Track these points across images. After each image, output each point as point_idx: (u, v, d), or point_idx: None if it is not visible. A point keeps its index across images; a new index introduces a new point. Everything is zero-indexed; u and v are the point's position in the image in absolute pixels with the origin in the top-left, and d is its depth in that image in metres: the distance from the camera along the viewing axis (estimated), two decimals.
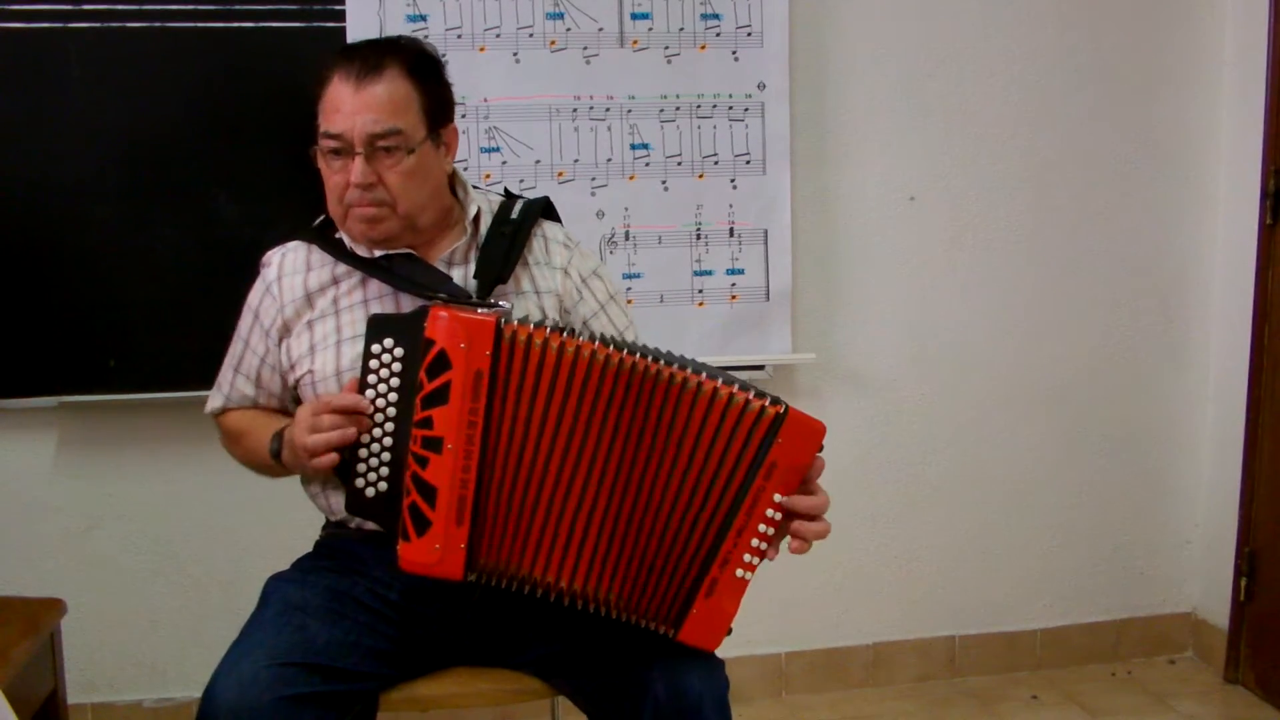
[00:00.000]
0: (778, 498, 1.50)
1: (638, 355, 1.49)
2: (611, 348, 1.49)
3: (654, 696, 1.53)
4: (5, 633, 1.80)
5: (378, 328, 1.54)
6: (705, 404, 1.48)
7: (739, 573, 1.51)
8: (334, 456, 1.53)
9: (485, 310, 1.52)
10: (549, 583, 1.53)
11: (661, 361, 1.49)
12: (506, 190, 1.86)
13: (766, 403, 1.48)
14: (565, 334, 1.49)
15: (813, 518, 1.53)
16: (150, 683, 2.58)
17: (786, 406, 1.49)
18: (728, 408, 1.48)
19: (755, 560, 1.52)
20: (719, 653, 1.58)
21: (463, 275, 1.71)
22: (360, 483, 1.54)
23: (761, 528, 1.50)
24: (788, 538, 1.53)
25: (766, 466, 1.49)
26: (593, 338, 1.50)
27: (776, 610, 2.75)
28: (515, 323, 1.50)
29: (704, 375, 1.49)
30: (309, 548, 1.80)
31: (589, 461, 1.50)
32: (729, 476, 1.50)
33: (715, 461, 1.50)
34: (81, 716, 2.52)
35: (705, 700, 1.54)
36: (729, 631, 1.54)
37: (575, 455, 1.50)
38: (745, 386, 1.50)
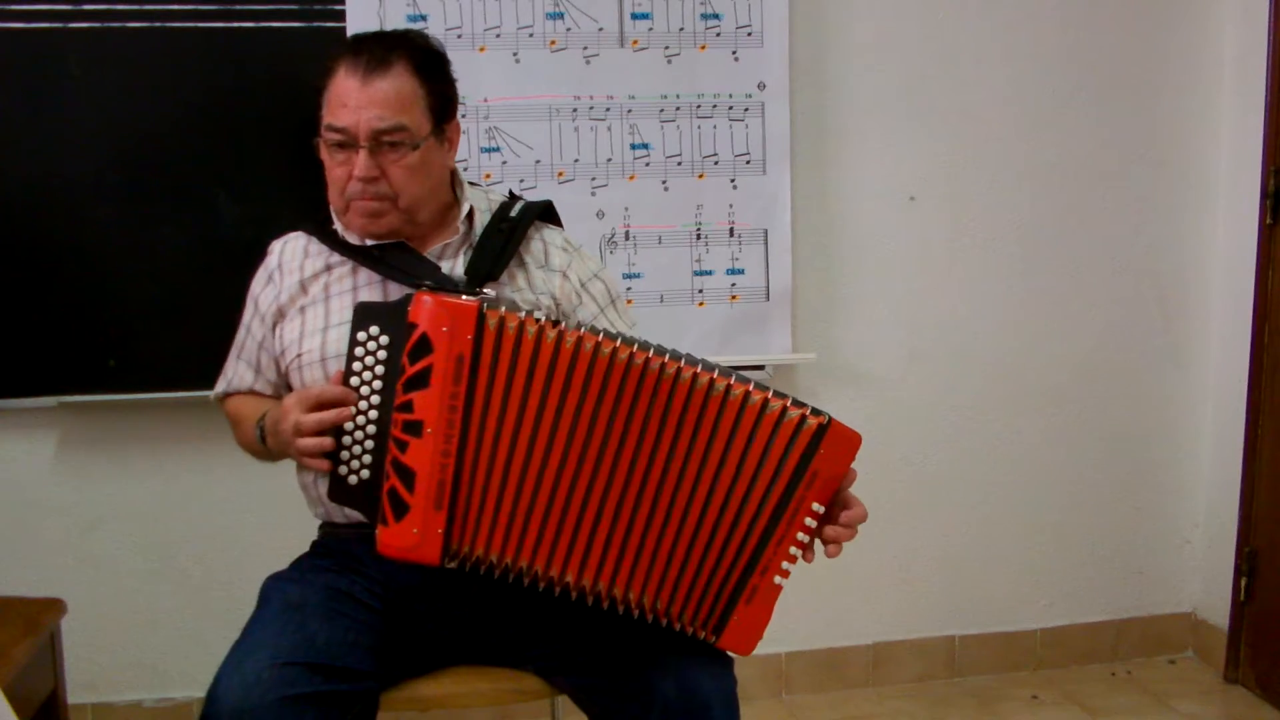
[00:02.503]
0: (816, 506, 1.49)
1: (650, 352, 1.48)
2: (619, 342, 1.48)
3: (663, 696, 1.52)
4: (5, 633, 1.80)
5: (363, 315, 1.54)
6: (736, 409, 1.47)
7: (776, 579, 1.51)
8: (327, 457, 1.54)
9: (470, 297, 1.52)
10: (552, 576, 1.51)
11: (682, 362, 1.47)
12: (510, 192, 1.86)
13: (808, 412, 1.47)
14: (558, 325, 1.48)
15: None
16: (150, 683, 2.58)
17: (829, 417, 1.48)
18: (762, 414, 1.47)
19: (791, 566, 1.51)
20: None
21: (451, 269, 1.71)
22: (344, 470, 1.54)
23: (800, 535, 1.50)
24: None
25: (809, 476, 1.48)
26: (594, 330, 1.49)
27: (777, 610, 2.74)
28: (502, 310, 1.49)
29: (733, 379, 1.47)
30: (307, 548, 1.80)
31: (594, 456, 1.48)
32: (769, 485, 1.49)
33: (752, 469, 1.48)
34: (81, 716, 2.51)
35: (715, 699, 1.54)
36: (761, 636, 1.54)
37: (579, 447, 1.48)
38: (780, 394, 1.49)
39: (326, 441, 1.53)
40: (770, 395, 1.48)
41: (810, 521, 1.50)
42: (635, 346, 1.48)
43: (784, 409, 1.47)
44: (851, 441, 1.51)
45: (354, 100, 1.60)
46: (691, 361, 1.49)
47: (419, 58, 1.65)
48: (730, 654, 1.58)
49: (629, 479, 1.49)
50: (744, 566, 1.51)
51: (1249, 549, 2.77)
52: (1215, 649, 2.88)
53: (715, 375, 1.47)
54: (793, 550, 1.51)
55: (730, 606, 1.52)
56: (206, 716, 1.48)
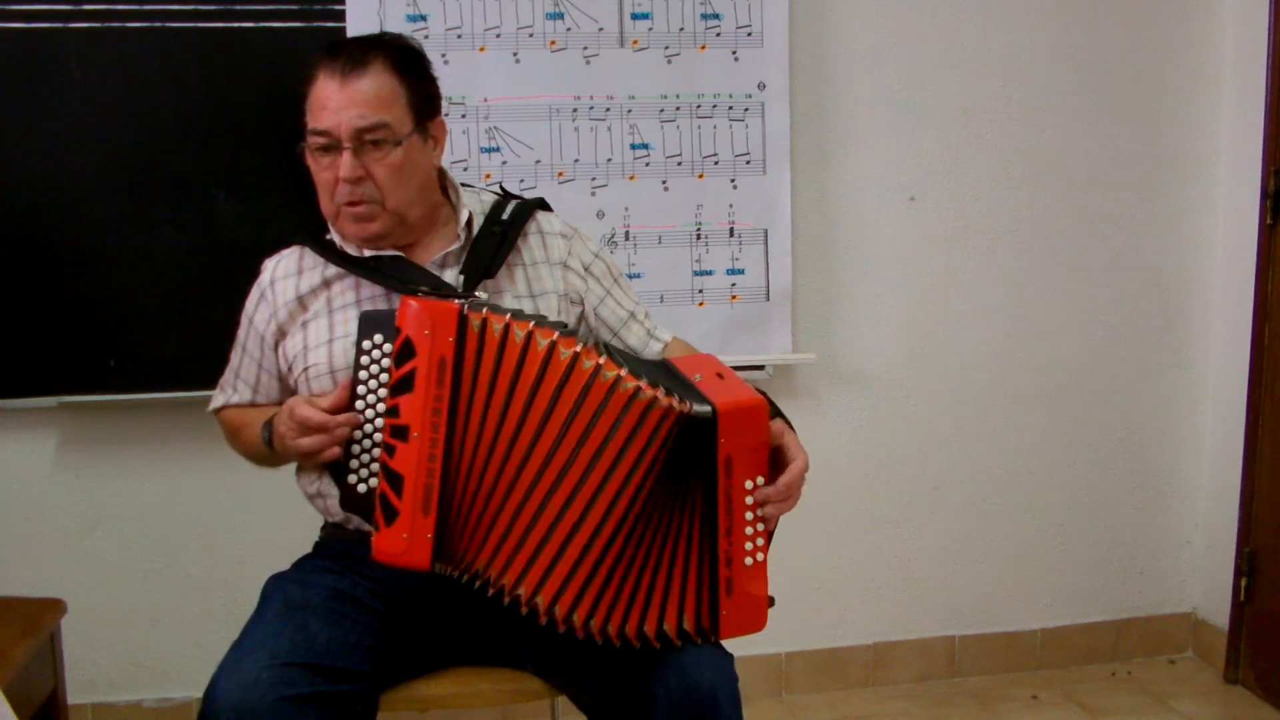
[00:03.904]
0: (750, 484, 1.47)
1: (602, 358, 1.44)
2: (585, 347, 1.45)
3: (666, 691, 1.51)
4: (5, 633, 1.80)
5: (367, 325, 1.54)
6: (621, 404, 1.43)
7: (748, 561, 1.49)
8: (335, 451, 1.54)
9: (460, 300, 1.50)
10: (520, 594, 1.47)
11: (625, 369, 1.44)
12: (502, 187, 1.86)
13: (684, 407, 1.43)
14: (553, 331, 1.46)
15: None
16: (150, 683, 2.58)
17: (714, 407, 1.43)
18: (647, 412, 1.43)
19: (760, 542, 1.49)
20: (726, 646, 1.57)
21: (454, 278, 1.70)
22: (353, 479, 1.54)
23: (749, 515, 1.48)
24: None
25: (723, 465, 1.45)
26: (571, 334, 1.47)
27: (776, 610, 2.74)
28: (485, 311, 1.48)
29: (648, 382, 1.43)
30: (309, 548, 1.80)
31: (582, 468, 1.45)
32: (690, 484, 1.45)
33: (637, 472, 1.44)
34: (81, 716, 2.51)
35: (720, 690, 1.53)
36: (771, 603, 1.52)
37: (564, 457, 1.45)
38: (683, 389, 1.44)
39: (326, 439, 1.52)
40: (659, 392, 1.42)
41: (752, 500, 1.47)
42: (618, 360, 1.45)
43: (653, 399, 1.42)
44: (756, 410, 1.46)
45: (334, 101, 1.61)
46: (646, 372, 1.45)
47: (396, 56, 1.65)
48: (727, 647, 1.57)
49: (589, 498, 1.45)
50: (708, 565, 1.48)
51: (1249, 549, 2.77)
52: (1215, 649, 2.88)
53: (636, 378, 1.43)
54: (750, 531, 1.48)
55: (714, 603, 1.49)
56: (204, 716, 1.48)
